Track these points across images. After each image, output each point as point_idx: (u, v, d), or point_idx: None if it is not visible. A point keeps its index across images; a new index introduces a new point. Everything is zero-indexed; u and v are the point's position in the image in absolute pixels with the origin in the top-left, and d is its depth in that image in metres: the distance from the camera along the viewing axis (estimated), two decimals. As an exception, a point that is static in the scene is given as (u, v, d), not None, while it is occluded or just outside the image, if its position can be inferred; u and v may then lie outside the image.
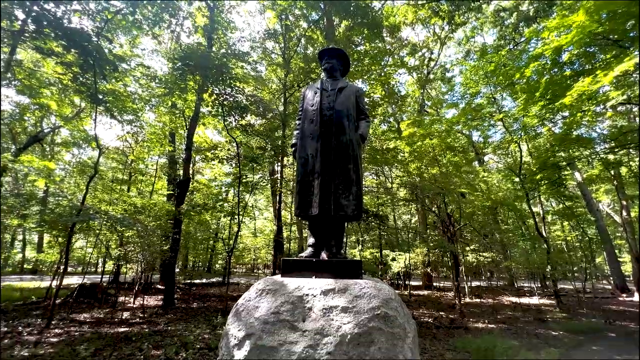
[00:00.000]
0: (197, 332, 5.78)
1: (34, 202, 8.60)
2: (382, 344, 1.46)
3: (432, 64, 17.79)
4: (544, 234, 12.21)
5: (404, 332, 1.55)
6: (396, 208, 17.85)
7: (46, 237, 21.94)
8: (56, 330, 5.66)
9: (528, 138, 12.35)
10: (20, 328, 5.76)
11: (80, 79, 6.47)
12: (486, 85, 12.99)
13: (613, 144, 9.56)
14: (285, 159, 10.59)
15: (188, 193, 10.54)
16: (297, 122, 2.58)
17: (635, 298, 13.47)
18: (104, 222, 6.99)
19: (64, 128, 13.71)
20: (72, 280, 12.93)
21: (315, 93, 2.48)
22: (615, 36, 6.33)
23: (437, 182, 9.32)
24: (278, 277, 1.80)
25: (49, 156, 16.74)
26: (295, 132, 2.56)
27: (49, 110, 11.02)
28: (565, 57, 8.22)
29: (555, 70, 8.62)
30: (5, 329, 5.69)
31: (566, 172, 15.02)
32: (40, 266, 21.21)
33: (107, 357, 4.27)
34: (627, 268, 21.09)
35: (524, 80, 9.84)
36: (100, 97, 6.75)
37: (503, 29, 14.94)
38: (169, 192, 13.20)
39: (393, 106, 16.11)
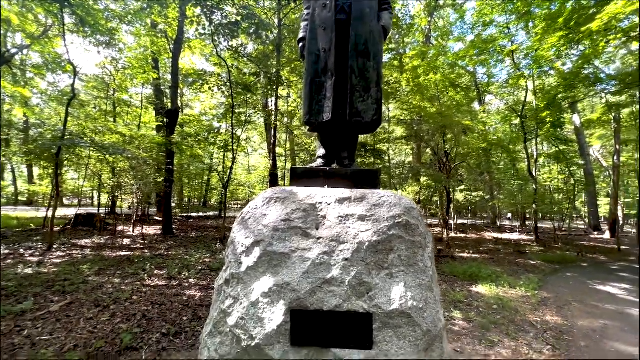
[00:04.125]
0: (198, 256, 5.99)
1: (15, 131, 8.08)
2: (402, 252, 1.38)
3: (445, -14, 15.83)
4: (534, 175, 12.46)
5: (424, 241, 1.47)
6: (392, 147, 17.68)
7: (36, 171, 21.64)
8: (58, 253, 5.77)
9: (537, 75, 11.72)
10: (22, 251, 5.86)
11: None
12: (501, 14, 11.80)
13: (619, 86, 9.13)
14: (280, 90, 9.90)
15: (178, 126, 10.04)
16: (305, 11, 2.09)
17: (606, 236, 14.56)
18: (91, 149, 6.66)
19: (33, 51, 12.29)
20: (70, 212, 13.06)
21: None
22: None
23: (438, 118, 9.01)
24: (286, 187, 1.64)
25: (22, 83, 15.41)
26: (303, 24, 2.09)
27: (10, 26, 9.64)
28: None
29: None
30: (7, 251, 5.78)
31: (566, 115, 14.76)
32: (35, 198, 21.29)
33: (111, 275, 4.41)
34: (602, 210, 22.45)
35: (546, 5, 8.89)
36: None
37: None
38: (157, 124, 12.58)
39: (396, 36, 14.77)
